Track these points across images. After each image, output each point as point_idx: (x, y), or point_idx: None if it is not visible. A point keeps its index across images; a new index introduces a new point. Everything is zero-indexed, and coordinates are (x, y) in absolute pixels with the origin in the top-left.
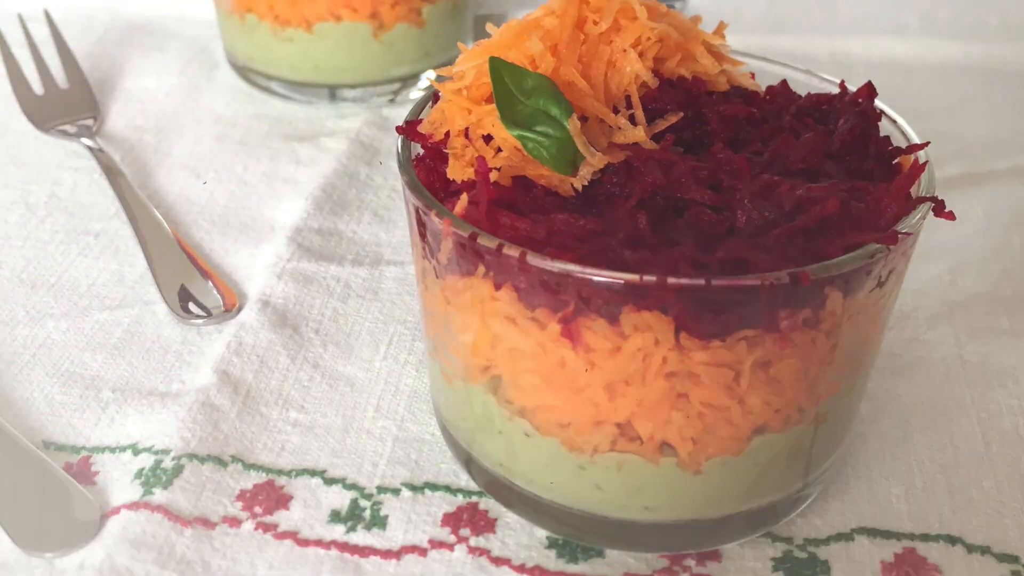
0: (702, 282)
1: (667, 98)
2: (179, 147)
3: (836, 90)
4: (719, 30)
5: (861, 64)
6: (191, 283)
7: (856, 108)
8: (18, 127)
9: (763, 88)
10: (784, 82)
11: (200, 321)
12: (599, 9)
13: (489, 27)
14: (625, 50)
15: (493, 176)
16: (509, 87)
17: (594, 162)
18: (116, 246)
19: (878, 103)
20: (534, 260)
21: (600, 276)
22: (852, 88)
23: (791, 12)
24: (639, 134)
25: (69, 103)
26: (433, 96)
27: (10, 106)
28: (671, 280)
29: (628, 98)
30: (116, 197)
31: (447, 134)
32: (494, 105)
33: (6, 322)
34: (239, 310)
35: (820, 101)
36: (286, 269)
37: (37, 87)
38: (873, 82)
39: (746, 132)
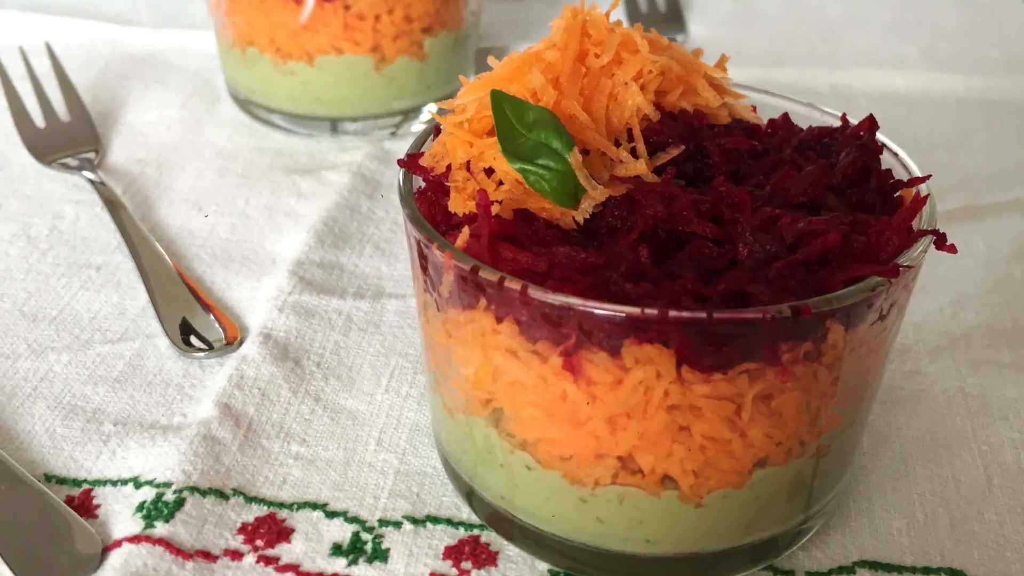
0: (703, 315)
1: (669, 131)
2: (181, 180)
3: (838, 123)
4: (720, 63)
5: (863, 97)
6: (193, 316)
7: (858, 141)
8: (19, 160)
9: (765, 121)
10: (786, 115)
11: (202, 354)
12: (601, 42)
13: (490, 60)
14: (627, 83)
15: (495, 209)
16: (510, 120)
17: (595, 195)
18: (118, 279)
19: (879, 136)
20: (535, 293)
21: (601, 309)
22: (854, 121)
23: (793, 45)
24: (640, 167)
25: (71, 136)
26: (435, 129)
27: (11, 139)
28: (672, 313)
29: (630, 131)
30: (118, 230)
31: (449, 167)
32: (496, 138)
33: (8, 355)
34: (240, 343)
35: (822, 134)
36: (287, 302)
37: (39, 120)
38: (875, 115)
39: (747, 165)
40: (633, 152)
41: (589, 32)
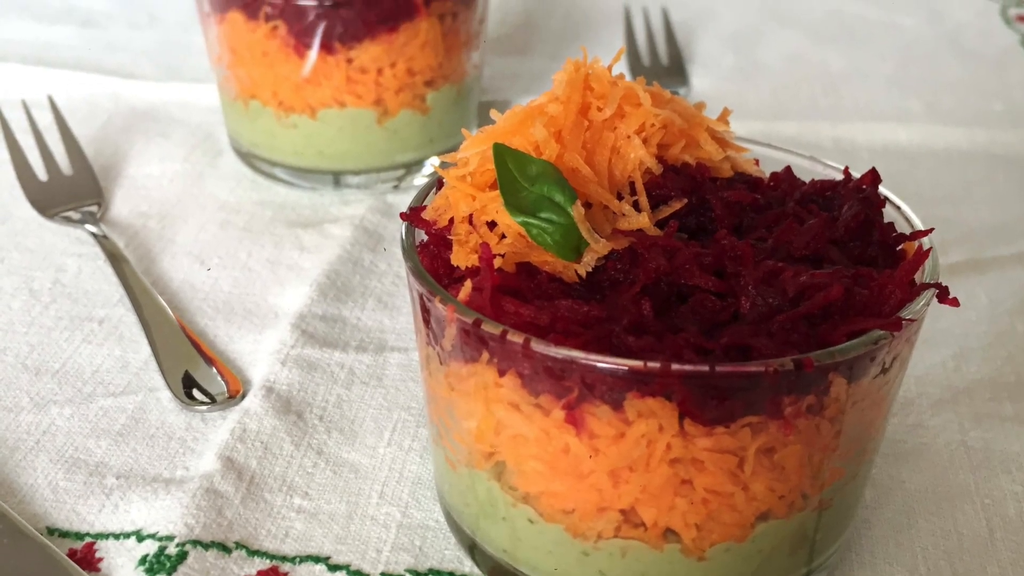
0: (706, 369)
1: (671, 184)
2: (183, 233)
3: (840, 176)
4: (723, 116)
5: (865, 150)
6: (195, 369)
7: (860, 194)
8: (22, 213)
9: (767, 174)
10: (788, 168)
11: (204, 407)
12: (603, 95)
13: (493, 113)
14: (629, 136)
15: (497, 262)
16: (513, 173)
17: (598, 248)
18: (120, 332)
19: (882, 189)
20: (538, 346)
21: (604, 362)
22: (856, 174)
23: (795, 99)
24: (643, 220)
25: (73, 189)
26: (437, 182)
27: (14, 192)
28: (675, 367)
29: (632, 184)
30: (120, 283)
31: (451, 220)
32: (498, 191)
33: (10, 408)
34: (243, 396)
35: (824, 187)
36: (290, 355)
37: (41, 173)
38: (877, 168)
39: (750, 218)
40: (636, 205)
41: (591, 85)
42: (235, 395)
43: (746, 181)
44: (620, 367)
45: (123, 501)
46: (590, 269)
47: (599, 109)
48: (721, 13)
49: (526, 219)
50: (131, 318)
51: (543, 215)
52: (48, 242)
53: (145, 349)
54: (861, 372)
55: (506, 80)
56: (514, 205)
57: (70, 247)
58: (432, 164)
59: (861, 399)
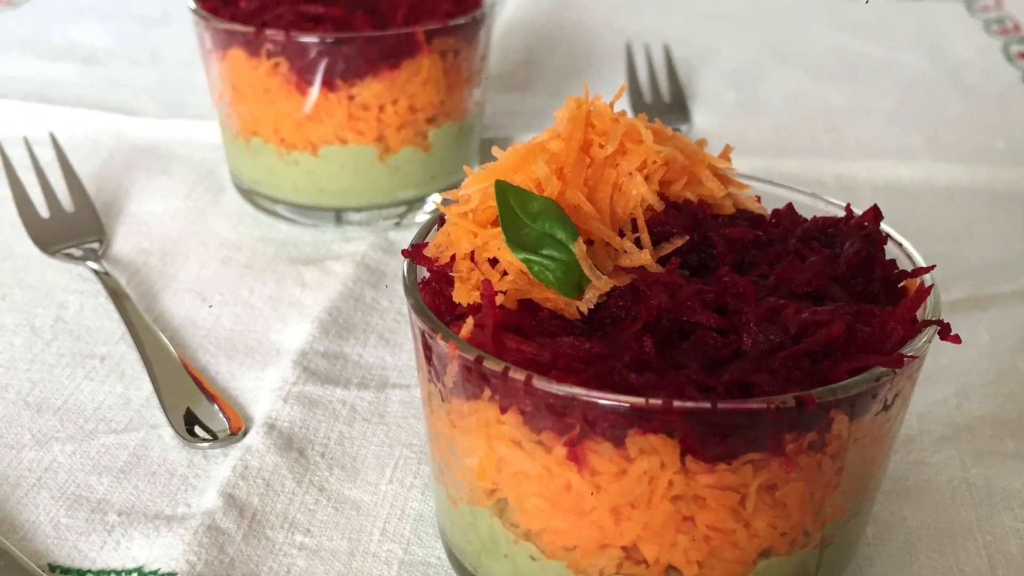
0: (708, 406)
1: (673, 221)
2: (185, 270)
3: (842, 213)
4: (725, 153)
5: (866, 187)
6: (197, 406)
7: (862, 231)
8: (24, 250)
9: (769, 211)
10: (790, 205)
11: (206, 444)
12: (605, 132)
13: (495, 150)
14: (631, 173)
15: (499, 299)
16: (515, 210)
17: (600, 285)
18: (122, 369)
19: (884, 226)
20: (540, 383)
21: (606, 399)
22: (858, 211)
23: (796, 136)
24: (645, 257)
25: (75, 226)
26: (439, 219)
27: (16, 229)
28: (677, 403)
29: (634, 221)
30: (122, 320)
31: (453, 257)
32: (500, 228)
33: (12, 445)
34: (245, 433)
35: (826, 224)
36: (292, 393)
37: (43, 210)
38: (879, 205)
39: (752, 255)
40: (637, 242)
41: (593, 122)
42: (237, 432)
43: (748, 218)
44: (622, 404)
45: (125, 538)
46: (592, 306)
47: (601, 146)
48: (723, 50)
49: (528, 256)
50: (133, 355)
51: (545, 252)
52: (50, 279)
53: (147, 386)
54: (863, 409)
55: (508, 117)
56: (516, 242)
57: (72, 284)
58: (434, 201)
59: (863, 436)
